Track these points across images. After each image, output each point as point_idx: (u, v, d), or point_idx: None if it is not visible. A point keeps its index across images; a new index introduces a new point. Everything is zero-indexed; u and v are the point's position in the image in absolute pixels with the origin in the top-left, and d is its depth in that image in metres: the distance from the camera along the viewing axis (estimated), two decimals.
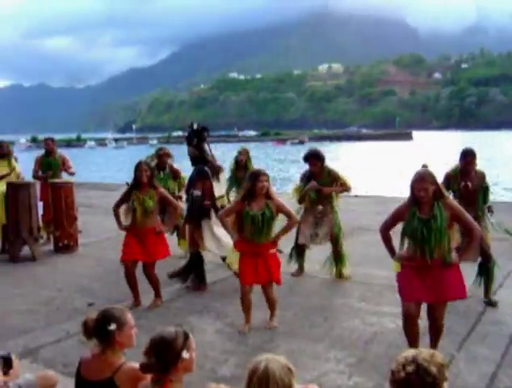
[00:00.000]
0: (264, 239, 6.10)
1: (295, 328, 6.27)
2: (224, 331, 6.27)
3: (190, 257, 8.11)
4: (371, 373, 5.09)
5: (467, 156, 6.92)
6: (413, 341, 5.10)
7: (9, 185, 10.00)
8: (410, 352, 2.58)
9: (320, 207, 8.18)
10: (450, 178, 7.06)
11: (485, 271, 7.06)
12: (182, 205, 8.54)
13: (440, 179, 5.69)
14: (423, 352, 2.57)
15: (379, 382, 4.85)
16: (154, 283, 7.26)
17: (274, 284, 6.34)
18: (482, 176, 7.04)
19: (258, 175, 6.07)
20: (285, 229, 6.27)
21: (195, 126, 8.06)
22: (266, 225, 6.04)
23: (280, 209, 6.11)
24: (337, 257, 8.31)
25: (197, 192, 7.61)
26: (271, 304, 6.37)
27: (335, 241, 8.25)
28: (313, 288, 7.90)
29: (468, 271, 6.06)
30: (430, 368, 2.48)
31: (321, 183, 8.05)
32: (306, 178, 8.21)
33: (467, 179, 6.93)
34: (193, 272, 8.00)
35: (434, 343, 5.22)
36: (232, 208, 6.33)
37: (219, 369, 5.23)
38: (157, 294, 7.31)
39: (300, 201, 8.31)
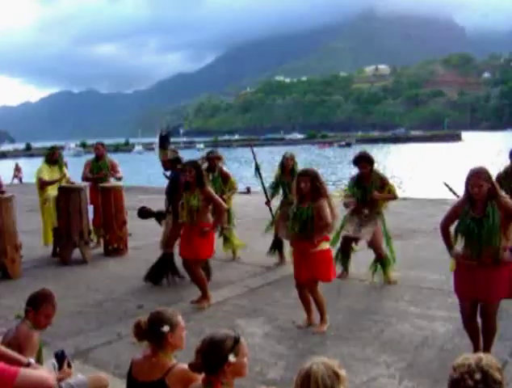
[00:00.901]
0: (304, 238, 6.13)
1: (345, 332, 6.22)
2: (272, 334, 6.26)
3: (162, 256, 8.48)
4: (422, 377, 5.02)
5: None
6: (474, 340, 5.16)
7: (60, 189, 10.20)
8: (471, 359, 2.49)
9: (366, 211, 8.08)
10: (501, 178, 6.94)
11: None
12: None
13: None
14: (482, 357, 2.50)
15: (430, 387, 4.78)
16: (198, 282, 7.33)
17: (320, 285, 6.34)
18: None
19: (298, 177, 6.29)
20: (319, 231, 6.20)
21: (164, 132, 9.02)
22: (304, 223, 6.08)
23: (318, 210, 6.09)
24: (381, 261, 8.16)
25: None
26: (318, 305, 6.37)
27: (377, 245, 8.12)
28: (362, 292, 7.82)
29: None
30: (496, 374, 2.42)
31: (370, 187, 7.96)
32: (354, 181, 8.13)
33: None
34: (169, 271, 8.44)
35: (486, 346, 5.15)
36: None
37: (268, 372, 5.23)
38: (203, 295, 7.35)
39: (346, 206, 8.24)
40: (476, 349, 5.04)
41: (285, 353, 5.71)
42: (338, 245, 8.37)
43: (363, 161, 7.96)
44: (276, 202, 9.51)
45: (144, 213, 8.97)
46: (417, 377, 5.03)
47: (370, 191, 7.93)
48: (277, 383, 4.49)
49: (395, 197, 8.16)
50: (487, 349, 5.05)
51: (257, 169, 9.97)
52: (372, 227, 8.07)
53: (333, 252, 8.33)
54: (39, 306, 4.15)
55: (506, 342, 5.65)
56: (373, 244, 8.14)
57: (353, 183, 8.13)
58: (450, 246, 5.19)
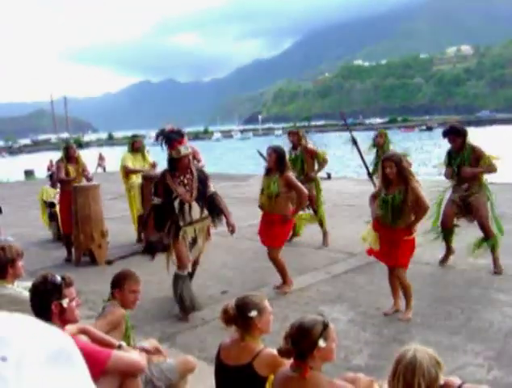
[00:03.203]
0: (396, 224, 6.03)
1: (431, 319, 6.12)
2: (357, 320, 6.23)
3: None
4: None
5: None
6: None
7: (144, 177, 10.43)
8: None
9: (465, 185, 7.77)
10: None
11: None
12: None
13: None
14: None
15: None
16: (279, 269, 7.35)
17: (406, 272, 6.26)
18: None
19: (382, 162, 6.16)
20: (417, 218, 6.11)
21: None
22: (396, 210, 5.98)
23: (414, 195, 5.97)
24: (490, 244, 7.78)
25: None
26: (404, 291, 6.28)
27: (484, 227, 7.79)
28: (449, 279, 7.64)
29: None
30: None
31: (462, 160, 7.66)
32: (448, 154, 7.93)
33: None
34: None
35: None
36: (375, 192, 6.43)
37: (353, 359, 5.21)
38: (284, 280, 7.38)
39: (447, 176, 8.05)
40: None
41: (370, 340, 5.67)
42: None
43: (452, 133, 7.76)
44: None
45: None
46: (506, 367, 4.90)
47: (462, 163, 7.65)
48: (362, 370, 4.45)
49: (492, 170, 7.65)
50: None
51: (354, 141, 9.91)
52: (476, 209, 7.75)
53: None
54: (123, 284, 4.28)
55: None
56: (478, 220, 7.84)
57: (447, 156, 7.94)
58: None
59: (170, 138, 6.49)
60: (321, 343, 3.03)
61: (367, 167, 9.64)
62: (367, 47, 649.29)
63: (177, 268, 6.70)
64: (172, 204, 6.59)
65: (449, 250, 8.18)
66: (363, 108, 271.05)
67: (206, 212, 6.82)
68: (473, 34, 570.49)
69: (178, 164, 6.57)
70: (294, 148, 9.54)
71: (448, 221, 8.05)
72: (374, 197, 6.36)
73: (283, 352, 3.08)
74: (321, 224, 9.83)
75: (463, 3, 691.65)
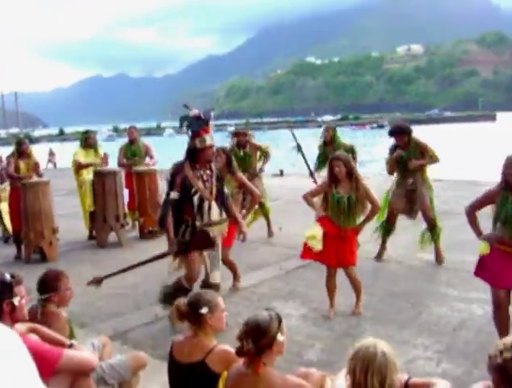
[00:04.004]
0: (348, 224, 6.08)
1: (382, 314, 6.22)
2: (309, 316, 6.29)
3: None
4: (460, 359, 5.01)
5: None
6: (503, 329, 5.00)
7: (96, 173, 10.33)
8: (510, 339, 2.52)
9: (410, 180, 8.06)
10: None
11: None
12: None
13: None
14: None
15: (468, 369, 4.77)
16: (231, 267, 7.30)
17: (356, 268, 6.35)
18: None
19: (331, 161, 6.13)
20: (368, 218, 6.21)
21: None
22: (348, 210, 6.02)
23: (366, 195, 6.05)
24: (433, 235, 8.10)
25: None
26: (355, 287, 6.34)
27: (429, 217, 8.09)
28: (399, 274, 7.78)
29: None
30: None
31: (409, 156, 7.93)
32: (394, 148, 8.14)
33: None
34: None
35: None
36: (319, 189, 6.38)
37: (305, 354, 5.26)
38: (236, 277, 7.37)
39: (391, 172, 8.28)
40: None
41: (322, 335, 5.73)
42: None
43: (398, 133, 8.02)
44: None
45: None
46: (455, 360, 5.01)
47: (408, 159, 7.92)
48: (314, 364, 4.50)
49: (436, 160, 8.01)
50: None
51: (299, 147, 10.00)
52: (421, 201, 8.04)
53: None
54: (59, 285, 4.11)
55: None
56: (422, 211, 8.11)
57: (393, 151, 8.14)
58: (477, 229, 5.16)
59: (196, 125, 5.84)
60: (280, 337, 3.07)
61: (309, 169, 9.74)
62: (319, 44, 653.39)
63: (184, 279, 6.02)
64: (191, 200, 5.86)
65: (383, 246, 8.40)
66: (314, 105, 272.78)
67: (224, 214, 6.17)
68: (424, 34, 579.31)
69: (200, 155, 5.86)
70: (243, 147, 9.58)
71: (393, 217, 8.30)
72: (312, 196, 6.39)
73: (243, 353, 3.08)
74: (267, 218, 10.18)
75: (415, 3, 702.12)
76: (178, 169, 5.92)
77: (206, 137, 5.82)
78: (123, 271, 6.14)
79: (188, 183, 5.83)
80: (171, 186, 5.89)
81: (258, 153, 9.82)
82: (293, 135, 10.27)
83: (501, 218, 4.87)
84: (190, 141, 5.89)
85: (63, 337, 3.80)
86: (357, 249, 6.44)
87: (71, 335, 4.09)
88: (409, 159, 7.92)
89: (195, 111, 5.90)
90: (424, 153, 7.95)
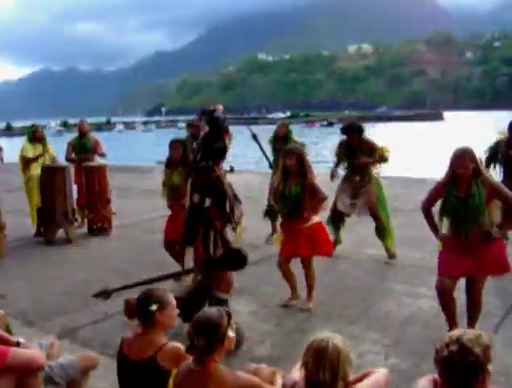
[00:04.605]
0: (296, 215, 6.16)
1: (331, 309, 6.27)
2: (259, 312, 6.30)
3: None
4: (407, 354, 5.08)
5: None
6: (450, 317, 5.12)
7: (44, 169, 10.09)
8: (456, 332, 2.58)
9: (357, 177, 8.14)
10: (496, 148, 7.25)
11: None
12: None
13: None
14: (469, 332, 2.57)
15: (416, 363, 4.84)
16: (179, 261, 7.26)
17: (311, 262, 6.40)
18: None
19: (284, 154, 6.25)
20: (314, 207, 6.22)
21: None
22: (294, 201, 6.10)
23: (310, 186, 6.11)
24: (381, 232, 8.17)
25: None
26: (310, 281, 6.40)
27: (375, 214, 8.14)
28: (348, 269, 7.85)
29: None
30: (474, 348, 2.47)
31: (358, 154, 8.01)
32: (343, 147, 8.20)
33: None
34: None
35: (471, 323, 5.21)
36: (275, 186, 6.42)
37: (255, 350, 5.26)
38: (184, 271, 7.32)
39: (337, 164, 8.39)
40: (451, 328, 4.88)
41: (272, 331, 5.75)
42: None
43: (350, 131, 8.08)
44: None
45: None
46: (402, 354, 5.09)
47: (357, 156, 8.00)
48: (265, 360, 4.50)
49: (382, 159, 8.09)
50: (471, 326, 5.11)
51: (254, 136, 9.90)
52: (365, 196, 8.11)
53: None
54: None
55: (491, 319, 5.72)
56: (369, 208, 8.16)
57: (342, 149, 8.21)
58: (435, 229, 5.23)
59: (224, 122, 5.40)
60: (230, 333, 3.07)
61: (268, 159, 9.74)
62: (271, 41, 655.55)
63: (221, 292, 5.52)
64: (223, 205, 5.36)
65: (336, 241, 8.42)
66: (266, 102, 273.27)
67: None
68: (374, 33, 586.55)
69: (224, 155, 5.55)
70: (196, 138, 9.53)
71: (336, 212, 8.34)
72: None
73: (192, 350, 3.06)
74: None
75: (366, 3, 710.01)
76: (208, 168, 5.32)
77: (227, 140, 5.51)
78: (136, 285, 5.51)
79: (222, 187, 5.34)
80: (198, 190, 5.38)
81: None
82: (249, 128, 10.23)
83: (445, 212, 5.00)
84: (219, 141, 5.35)
85: (9, 335, 3.72)
86: (324, 237, 6.45)
87: (8, 331, 4.01)
88: (358, 156, 8.00)
89: (220, 108, 5.50)
90: (373, 152, 8.02)
